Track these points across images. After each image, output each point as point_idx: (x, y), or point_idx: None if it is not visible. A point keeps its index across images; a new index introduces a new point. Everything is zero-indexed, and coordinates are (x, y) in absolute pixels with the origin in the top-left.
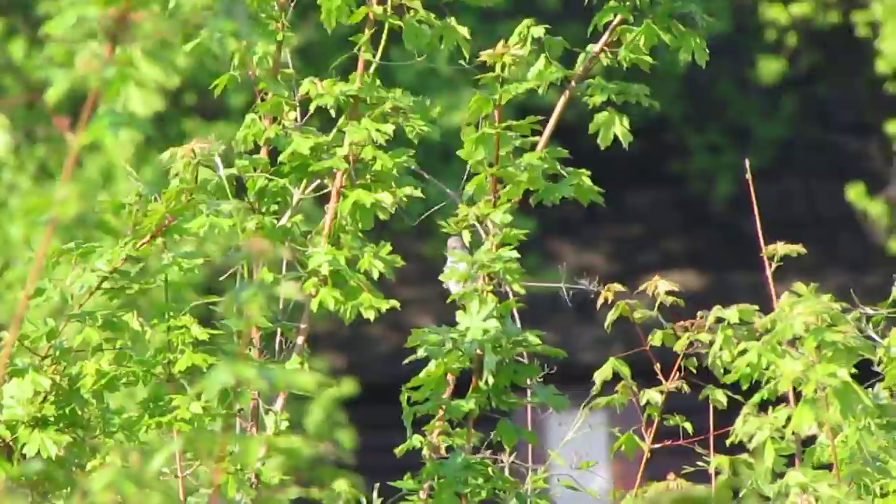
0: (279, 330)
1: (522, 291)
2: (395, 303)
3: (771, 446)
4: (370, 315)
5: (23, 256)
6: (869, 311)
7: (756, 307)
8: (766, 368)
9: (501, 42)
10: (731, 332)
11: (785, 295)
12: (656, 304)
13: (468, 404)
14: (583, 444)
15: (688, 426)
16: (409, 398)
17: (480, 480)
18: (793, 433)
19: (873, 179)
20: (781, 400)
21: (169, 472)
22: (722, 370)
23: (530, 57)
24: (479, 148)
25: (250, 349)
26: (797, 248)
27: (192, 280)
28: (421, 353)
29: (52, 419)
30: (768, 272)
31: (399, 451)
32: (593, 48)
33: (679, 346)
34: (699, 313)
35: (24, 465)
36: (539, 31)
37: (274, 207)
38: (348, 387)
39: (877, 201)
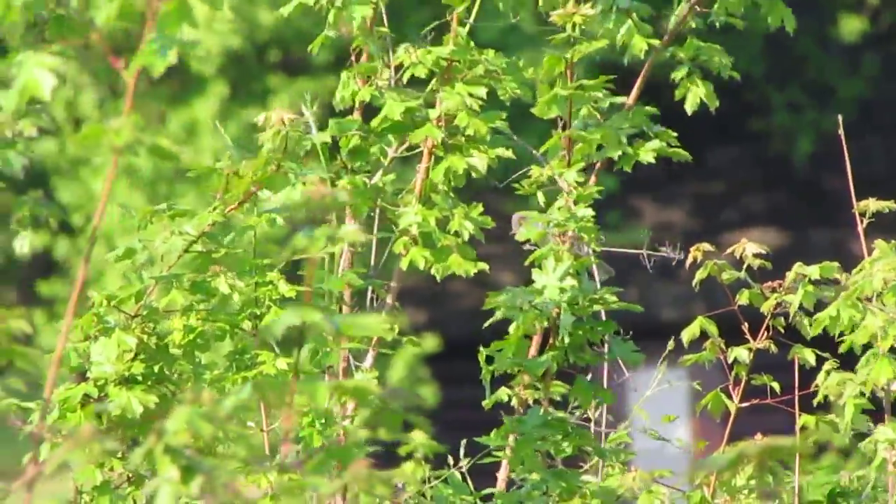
0: (370, 288)
1: (598, 249)
2: (483, 265)
3: (851, 402)
4: (461, 273)
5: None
6: None
7: (837, 264)
8: (850, 325)
9: (572, 1)
10: (812, 288)
11: (874, 252)
12: (744, 266)
13: (545, 361)
14: (663, 402)
15: (774, 385)
16: (487, 356)
17: (559, 437)
18: (882, 389)
19: None
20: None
21: (255, 426)
22: (807, 326)
23: (615, 21)
24: (553, 108)
25: (341, 305)
26: (889, 205)
27: (278, 236)
28: (498, 315)
29: (139, 378)
30: (860, 228)
31: (486, 404)
32: (683, 8)
33: (767, 307)
34: (788, 274)
35: (104, 410)
36: None
37: (366, 167)
38: (430, 342)
39: None
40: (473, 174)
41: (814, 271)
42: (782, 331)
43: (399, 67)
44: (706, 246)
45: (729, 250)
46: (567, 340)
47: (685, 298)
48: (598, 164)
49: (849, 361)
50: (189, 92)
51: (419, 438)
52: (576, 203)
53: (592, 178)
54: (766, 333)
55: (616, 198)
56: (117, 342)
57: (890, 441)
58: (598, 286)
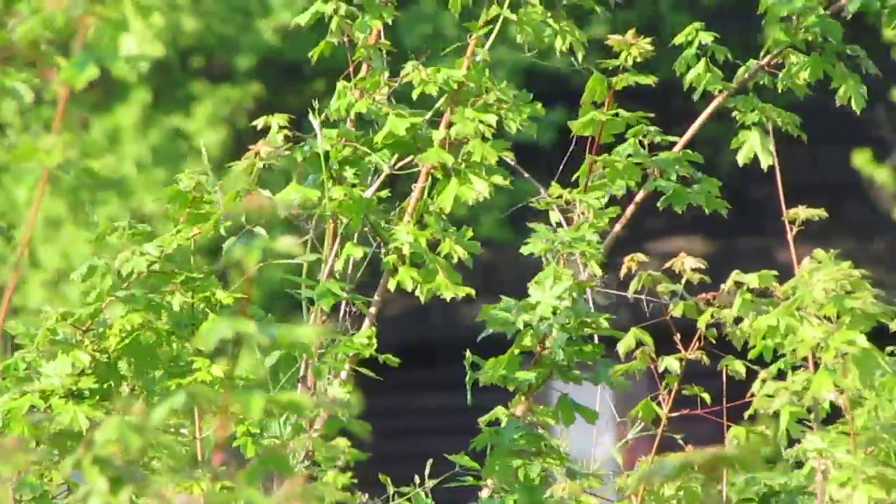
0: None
1: (600, 273)
2: (469, 290)
3: (787, 410)
4: (447, 296)
5: (26, 219)
6: None
7: (775, 272)
8: (785, 335)
9: (632, 32)
10: (749, 297)
11: (806, 261)
12: (682, 279)
13: (530, 377)
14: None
15: (705, 396)
16: (472, 363)
17: (533, 452)
18: (814, 401)
19: (880, 146)
20: (797, 368)
21: (188, 433)
22: (739, 339)
23: (691, 60)
24: (588, 130)
25: (321, 318)
26: (819, 213)
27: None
28: (490, 329)
29: (87, 393)
30: (789, 236)
31: (483, 420)
32: (755, 64)
33: (702, 322)
34: (723, 286)
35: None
36: (707, 37)
37: (356, 180)
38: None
39: (883, 168)
40: (469, 201)
41: (751, 280)
42: (714, 342)
43: (407, 86)
44: (641, 256)
45: (668, 265)
46: (561, 357)
47: (609, 308)
48: (638, 195)
49: (781, 371)
50: (112, 98)
51: (342, 444)
52: (588, 227)
53: (630, 208)
54: (697, 344)
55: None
56: (71, 358)
57: (819, 450)
58: (592, 310)
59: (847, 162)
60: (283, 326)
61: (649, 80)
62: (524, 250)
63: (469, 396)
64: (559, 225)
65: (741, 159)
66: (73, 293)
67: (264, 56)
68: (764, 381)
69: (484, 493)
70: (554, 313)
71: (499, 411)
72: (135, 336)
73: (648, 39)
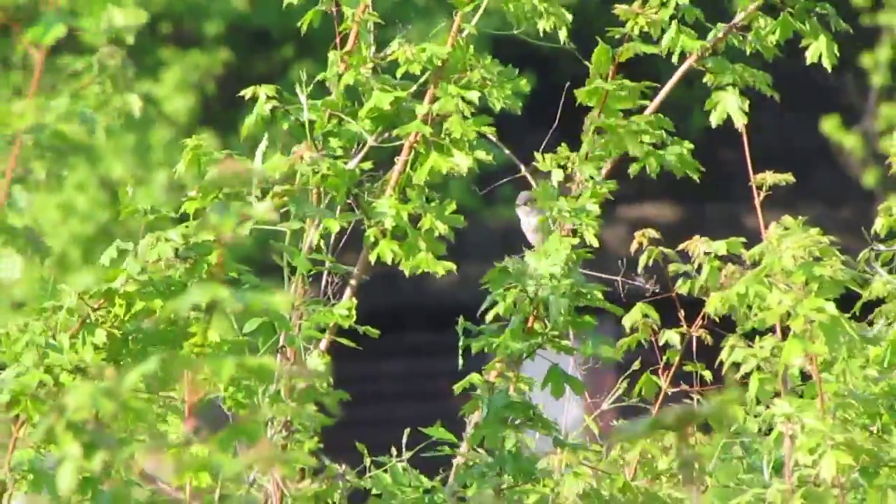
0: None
1: (597, 244)
2: (451, 266)
3: (756, 376)
4: (431, 270)
5: None
6: (881, 248)
7: (743, 239)
8: (753, 303)
9: (640, 1)
10: (717, 263)
11: (772, 227)
12: (694, 261)
13: (521, 345)
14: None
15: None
16: (465, 329)
17: (521, 420)
18: (783, 367)
19: (848, 112)
20: (763, 334)
21: (177, 398)
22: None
23: (663, 23)
24: (593, 99)
25: (302, 288)
26: (786, 178)
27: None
28: (492, 297)
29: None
30: (756, 202)
31: (457, 388)
32: (724, 26)
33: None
34: (728, 266)
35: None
36: None
37: (340, 150)
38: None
39: (852, 134)
40: (455, 174)
41: (719, 247)
42: (718, 320)
43: (392, 63)
44: (652, 232)
45: (681, 247)
46: (560, 322)
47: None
48: (609, 162)
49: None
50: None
51: (310, 410)
52: (589, 197)
53: (604, 172)
54: (701, 322)
55: (508, 170)
56: (91, 336)
57: (787, 416)
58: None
59: (815, 128)
60: (255, 294)
61: (655, 49)
62: (524, 219)
63: (460, 361)
64: (560, 185)
65: (715, 121)
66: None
67: (233, 22)
68: (732, 347)
69: (458, 461)
70: (551, 279)
71: (473, 377)
72: (139, 311)
73: (654, 8)
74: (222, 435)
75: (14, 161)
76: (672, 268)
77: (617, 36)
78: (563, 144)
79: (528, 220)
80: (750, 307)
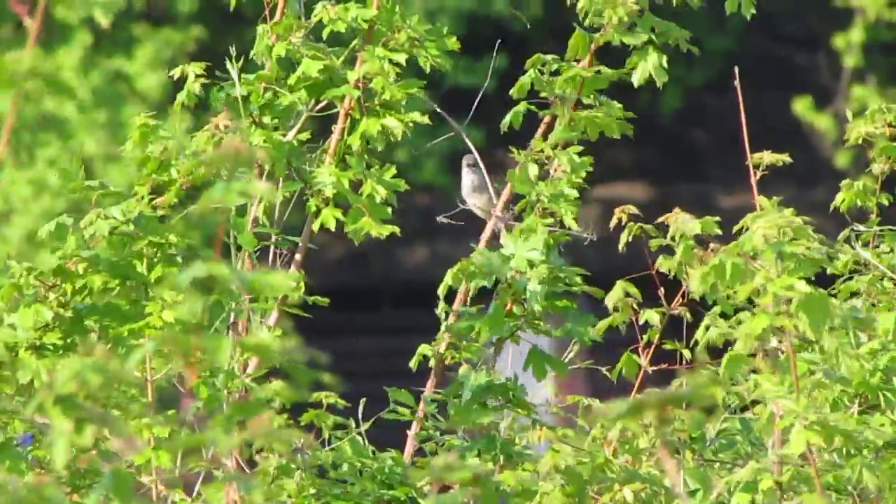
0: (272, 245)
1: (576, 228)
2: (394, 228)
3: (729, 354)
4: (374, 234)
5: None
6: (861, 228)
7: (717, 218)
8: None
9: None
10: (692, 243)
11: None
12: (669, 234)
13: (500, 328)
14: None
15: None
16: (445, 313)
17: (499, 402)
18: (759, 343)
19: (821, 93)
20: (739, 311)
21: (140, 376)
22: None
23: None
24: (570, 85)
25: (248, 262)
26: (783, 158)
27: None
28: (475, 283)
29: (50, 348)
30: (752, 181)
31: (413, 363)
32: None
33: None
34: (711, 244)
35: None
36: None
37: (276, 122)
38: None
39: (824, 115)
40: (390, 138)
41: (694, 226)
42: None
43: (319, 25)
44: (632, 208)
45: (660, 219)
46: (538, 310)
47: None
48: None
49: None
50: (53, 40)
51: (275, 387)
52: (567, 182)
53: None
54: (681, 300)
55: (481, 151)
56: (35, 312)
57: (774, 394)
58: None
59: (788, 108)
60: (256, 273)
61: (635, 40)
62: (511, 177)
63: (437, 339)
64: (538, 178)
65: (637, 80)
66: (13, 235)
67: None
68: (708, 326)
69: (413, 429)
70: (530, 266)
71: (423, 349)
72: (90, 294)
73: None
74: (225, 415)
75: (14, 114)
76: (653, 242)
77: (594, 24)
78: (537, 138)
79: (468, 179)
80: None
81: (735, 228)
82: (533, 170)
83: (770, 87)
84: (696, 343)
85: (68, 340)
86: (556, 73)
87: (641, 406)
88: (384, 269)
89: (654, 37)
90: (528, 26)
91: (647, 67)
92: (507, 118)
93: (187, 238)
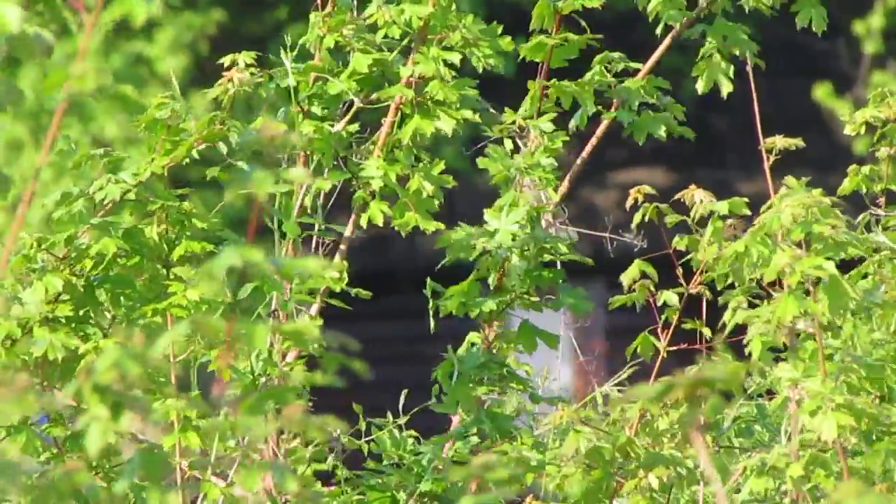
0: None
1: (557, 198)
2: (440, 225)
3: (759, 339)
4: (422, 227)
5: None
6: (881, 213)
7: (746, 200)
8: (756, 261)
9: None
10: (721, 224)
11: (783, 190)
12: (693, 214)
13: (490, 304)
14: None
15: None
16: (433, 291)
17: (496, 379)
18: (785, 327)
19: (840, 79)
20: (761, 297)
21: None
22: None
23: None
24: (537, 54)
25: (292, 251)
26: (796, 142)
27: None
28: (450, 257)
29: (63, 320)
30: (766, 165)
31: (461, 351)
32: None
33: (708, 254)
34: (729, 221)
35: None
36: None
37: (325, 113)
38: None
39: (843, 101)
40: (442, 135)
41: (722, 207)
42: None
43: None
44: (647, 188)
45: (678, 196)
46: (515, 285)
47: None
48: (600, 127)
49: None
50: (72, 22)
51: (298, 375)
52: (542, 152)
53: (593, 140)
54: (699, 279)
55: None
56: (45, 285)
57: (792, 380)
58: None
59: (808, 95)
60: (289, 259)
61: (595, 2)
62: (481, 163)
63: (432, 324)
64: (514, 152)
65: (702, 88)
66: (35, 217)
67: None
68: (735, 309)
69: (455, 421)
70: (513, 240)
71: (472, 337)
72: (108, 263)
73: None
74: (254, 398)
75: (57, 124)
76: (669, 219)
77: None
78: (507, 110)
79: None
80: (751, 266)
81: (763, 209)
82: (508, 144)
83: (791, 73)
84: (717, 323)
85: (80, 313)
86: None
87: (672, 388)
88: (402, 254)
89: (719, 45)
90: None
91: (713, 76)
92: (577, 116)
93: (212, 219)
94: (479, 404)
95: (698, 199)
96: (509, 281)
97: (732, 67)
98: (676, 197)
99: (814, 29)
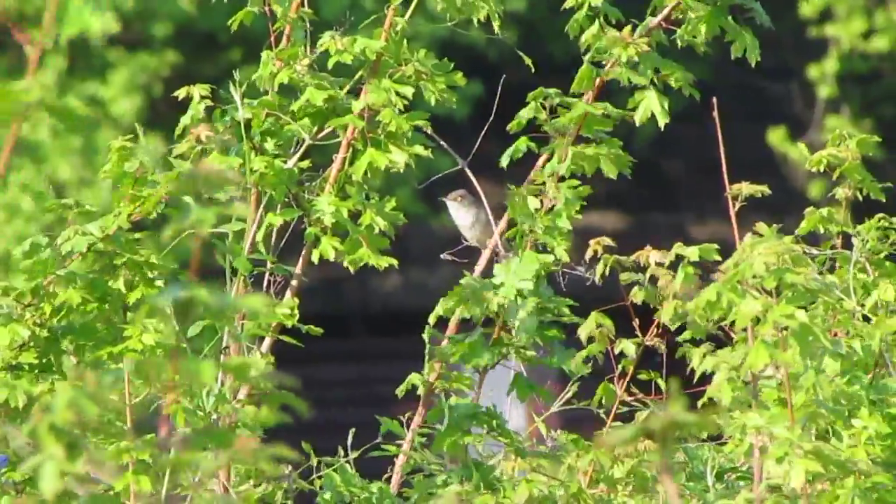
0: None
1: (567, 259)
2: (392, 261)
3: (727, 386)
4: (373, 263)
5: None
6: (814, 251)
7: (716, 246)
8: (727, 309)
9: (627, 28)
10: (691, 270)
11: (748, 236)
12: (647, 272)
13: (487, 356)
14: (495, 386)
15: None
16: (431, 337)
17: (484, 431)
18: (752, 374)
19: (794, 123)
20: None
21: (118, 400)
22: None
23: (584, 21)
24: (574, 121)
25: (243, 288)
26: (762, 189)
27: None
28: (459, 314)
29: (26, 367)
30: (732, 212)
31: (399, 391)
32: (651, 22)
33: (666, 314)
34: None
35: None
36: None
37: (277, 149)
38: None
39: (798, 145)
40: (392, 170)
41: (692, 252)
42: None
43: (324, 55)
44: (606, 240)
45: (633, 257)
46: (523, 340)
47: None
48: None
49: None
50: (27, 64)
51: (263, 413)
52: (563, 215)
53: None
54: (655, 330)
55: (454, 178)
56: (10, 332)
57: (757, 427)
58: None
59: (762, 139)
60: (237, 296)
61: (641, 80)
62: (510, 207)
63: (426, 369)
64: (537, 211)
65: (638, 119)
66: None
67: (181, 24)
68: (704, 355)
69: (399, 461)
70: (521, 297)
71: (414, 378)
72: (71, 311)
73: (645, 40)
74: (198, 440)
75: (12, 141)
76: (623, 276)
77: (603, 62)
78: (537, 171)
79: (459, 216)
80: (708, 319)
81: (734, 255)
82: (534, 203)
83: (743, 117)
84: (673, 371)
85: (44, 360)
86: (555, 110)
87: (645, 432)
88: (357, 297)
89: (655, 78)
90: (502, 34)
91: (650, 107)
92: (508, 152)
93: (164, 260)
94: (463, 454)
95: (653, 260)
96: (509, 336)
97: (682, 105)
98: (633, 257)
99: (748, 58)
